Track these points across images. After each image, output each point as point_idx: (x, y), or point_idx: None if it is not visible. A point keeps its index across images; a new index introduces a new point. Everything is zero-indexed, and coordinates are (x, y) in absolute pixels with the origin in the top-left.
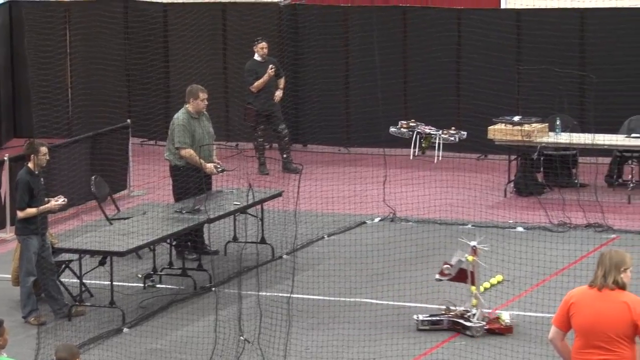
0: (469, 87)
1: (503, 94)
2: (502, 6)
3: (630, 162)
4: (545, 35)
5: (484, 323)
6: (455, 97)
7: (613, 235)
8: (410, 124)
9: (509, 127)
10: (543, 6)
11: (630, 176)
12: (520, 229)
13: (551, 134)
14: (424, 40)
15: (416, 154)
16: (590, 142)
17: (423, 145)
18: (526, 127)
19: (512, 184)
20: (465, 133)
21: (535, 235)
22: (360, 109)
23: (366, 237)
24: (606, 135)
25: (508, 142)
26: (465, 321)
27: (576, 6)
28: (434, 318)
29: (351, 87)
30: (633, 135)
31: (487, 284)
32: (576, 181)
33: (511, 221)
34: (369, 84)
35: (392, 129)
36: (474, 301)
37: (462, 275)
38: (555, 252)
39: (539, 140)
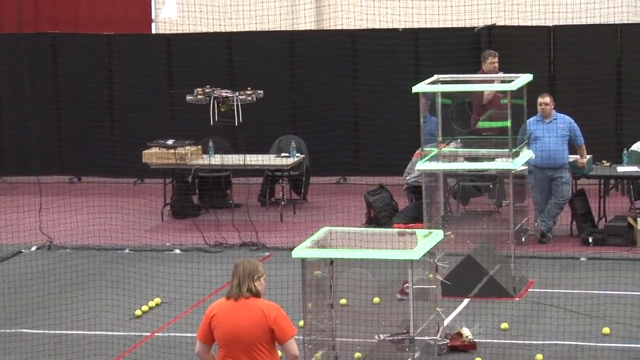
0: (122, 112)
1: (156, 118)
2: (153, 31)
3: (280, 181)
4: (195, 59)
5: (447, 340)
6: (109, 122)
7: (267, 253)
8: (206, 89)
9: (163, 150)
10: (192, 31)
11: (281, 194)
12: (177, 251)
13: (204, 156)
14: (75, 67)
15: (216, 119)
16: (242, 162)
17: (222, 109)
18: (180, 150)
19: (168, 207)
20: (261, 92)
21: (191, 256)
22: (12, 137)
23: (22, 267)
24: (257, 155)
25: (163, 166)
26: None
27: (223, 30)
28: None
29: (3, 115)
30: (282, 154)
31: (145, 307)
32: (230, 202)
33: (168, 244)
34: (19, 113)
35: (188, 97)
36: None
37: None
38: (212, 272)
39: (193, 162)
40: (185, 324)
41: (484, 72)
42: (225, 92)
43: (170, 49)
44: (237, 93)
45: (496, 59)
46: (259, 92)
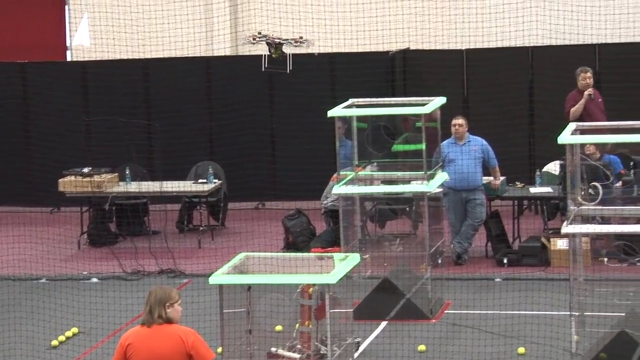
0: (37, 140)
1: (72, 146)
2: (68, 58)
3: (198, 207)
4: (111, 86)
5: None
6: (24, 151)
7: (185, 280)
8: (256, 36)
9: (80, 178)
10: (108, 58)
11: (199, 220)
12: (94, 279)
13: (121, 183)
14: None
15: (266, 65)
16: (159, 189)
17: (273, 55)
18: (96, 177)
19: (85, 236)
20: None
21: (109, 285)
22: None
23: None
24: (175, 182)
25: (79, 194)
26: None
27: (139, 57)
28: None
29: None
30: (200, 180)
31: (62, 337)
32: (148, 229)
33: (85, 272)
34: None
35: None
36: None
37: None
38: (129, 300)
39: (109, 190)
40: (102, 354)
41: (578, 89)
42: (278, 39)
43: (85, 76)
44: (288, 40)
45: (588, 74)
46: (311, 40)
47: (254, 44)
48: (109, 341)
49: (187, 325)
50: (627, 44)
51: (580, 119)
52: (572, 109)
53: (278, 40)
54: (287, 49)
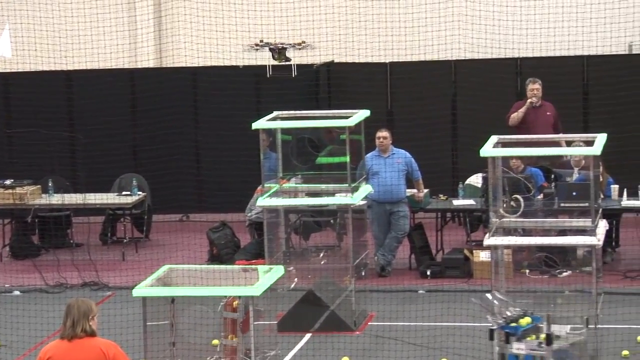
0: None
1: None
2: None
3: (122, 219)
4: (33, 98)
5: None
6: None
7: (109, 293)
8: (258, 43)
9: (1, 190)
10: (31, 69)
11: (123, 233)
12: (16, 292)
13: (44, 195)
14: None
15: (270, 72)
16: (82, 201)
17: (278, 61)
18: (18, 189)
19: (7, 248)
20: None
21: (31, 298)
22: None
23: None
24: (98, 194)
25: (1, 206)
26: None
27: (63, 68)
28: None
29: None
30: (124, 192)
31: None
32: (71, 241)
33: (7, 285)
34: None
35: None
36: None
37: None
38: (51, 313)
39: (32, 202)
40: None
41: (526, 99)
42: (281, 44)
43: (7, 88)
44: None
45: (536, 85)
46: (312, 44)
47: (257, 50)
48: (30, 354)
49: (110, 338)
50: (548, 58)
51: (516, 129)
52: (512, 115)
53: (281, 46)
54: (290, 54)
